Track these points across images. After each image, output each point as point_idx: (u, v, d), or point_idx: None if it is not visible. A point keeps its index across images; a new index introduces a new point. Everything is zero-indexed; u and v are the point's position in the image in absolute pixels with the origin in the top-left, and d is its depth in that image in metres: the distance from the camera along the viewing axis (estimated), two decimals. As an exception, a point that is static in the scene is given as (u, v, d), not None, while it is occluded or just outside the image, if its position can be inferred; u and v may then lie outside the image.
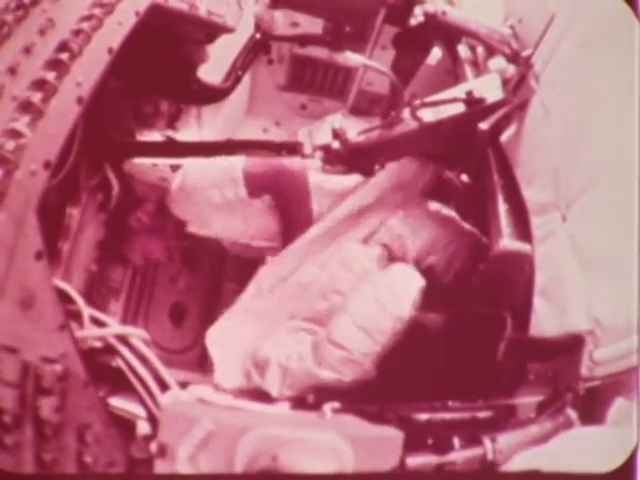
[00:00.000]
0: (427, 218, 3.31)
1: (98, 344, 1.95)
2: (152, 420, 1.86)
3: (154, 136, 3.77)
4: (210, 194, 3.57)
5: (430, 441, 1.89)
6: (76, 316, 1.94)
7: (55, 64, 1.94)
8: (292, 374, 2.90)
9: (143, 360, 1.96)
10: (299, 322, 3.23)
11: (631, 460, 1.72)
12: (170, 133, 3.80)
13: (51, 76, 1.89)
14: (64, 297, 1.90)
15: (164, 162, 3.90)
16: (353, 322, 2.92)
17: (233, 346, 3.37)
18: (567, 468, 1.71)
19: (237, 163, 3.53)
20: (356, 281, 3.15)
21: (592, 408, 1.95)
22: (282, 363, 2.96)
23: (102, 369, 1.90)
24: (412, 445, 1.77)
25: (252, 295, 3.51)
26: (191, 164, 3.65)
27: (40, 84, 1.87)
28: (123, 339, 1.97)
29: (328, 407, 1.85)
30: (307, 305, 3.26)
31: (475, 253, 3.04)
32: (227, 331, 3.47)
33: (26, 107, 1.81)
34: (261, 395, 2.82)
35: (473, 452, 1.90)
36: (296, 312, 3.28)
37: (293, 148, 3.40)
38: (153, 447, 1.63)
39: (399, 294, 2.91)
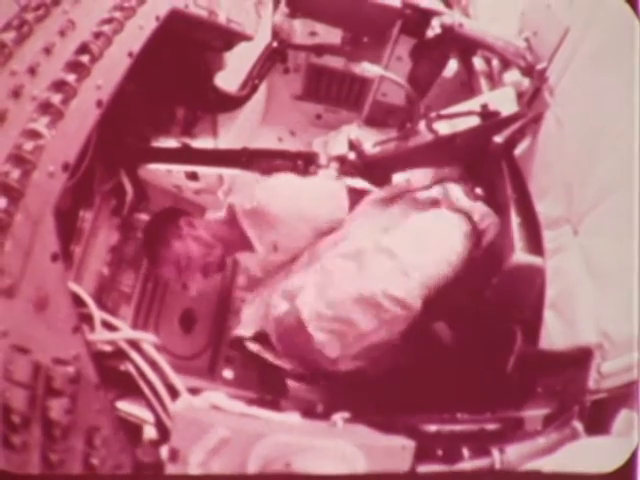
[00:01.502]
0: None
1: (107, 348, 1.95)
2: (160, 425, 1.86)
3: (170, 143, 3.78)
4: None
5: (440, 452, 1.88)
6: (87, 319, 1.94)
7: (75, 66, 1.94)
8: (333, 289, 2.76)
9: (153, 365, 1.95)
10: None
11: (631, 461, 1.72)
12: (186, 140, 3.81)
13: (71, 78, 1.89)
14: (76, 300, 1.89)
15: (179, 169, 3.91)
16: (409, 235, 2.87)
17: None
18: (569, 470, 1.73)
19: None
20: None
21: (598, 419, 1.95)
22: (319, 281, 2.86)
23: (110, 373, 1.89)
24: (422, 455, 1.76)
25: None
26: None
27: (60, 85, 1.87)
28: (134, 344, 1.97)
29: (338, 417, 1.84)
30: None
31: (489, 265, 3.01)
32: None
33: (46, 108, 1.81)
34: (272, 404, 2.78)
35: (481, 462, 1.89)
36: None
37: (309, 158, 3.40)
38: (163, 452, 1.62)
39: (453, 231, 2.89)
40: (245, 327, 3.39)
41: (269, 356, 3.20)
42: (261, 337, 3.24)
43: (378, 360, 2.86)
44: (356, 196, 3.46)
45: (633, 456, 1.71)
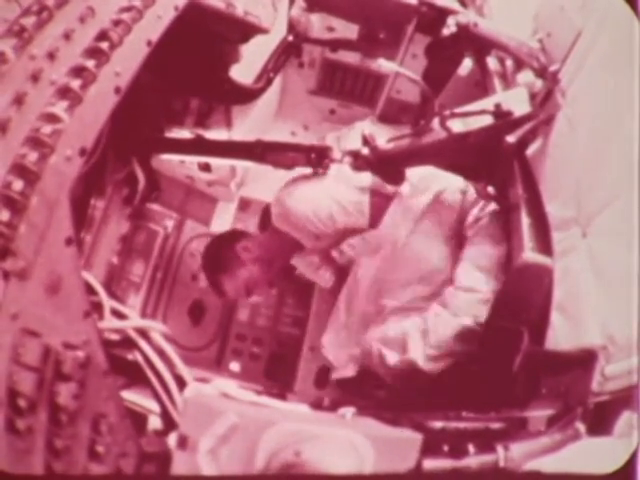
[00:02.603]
0: None
1: (115, 336, 1.95)
2: (165, 416, 1.86)
3: (183, 133, 3.79)
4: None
5: (446, 447, 1.89)
6: (97, 307, 1.94)
7: (94, 52, 1.94)
8: (434, 333, 2.99)
9: (161, 355, 1.95)
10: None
11: (632, 461, 1.72)
12: (200, 131, 3.81)
13: (91, 64, 1.89)
14: (86, 287, 1.89)
15: (192, 160, 3.92)
16: (472, 265, 3.06)
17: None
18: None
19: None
20: None
21: (600, 421, 1.95)
22: (420, 327, 3.08)
23: (118, 362, 1.89)
24: (428, 449, 1.76)
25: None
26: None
27: (79, 71, 1.87)
28: (143, 332, 1.97)
29: (346, 410, 1.84)
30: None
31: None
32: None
33: (64, 92, 1.81)
34: (279, 397, 2.81)
35: (485, 458, 1.90)
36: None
37: (322, 152, 3.40)
38: (172, 439, 1.62)
39: None
40: (345, 369, 3.62)
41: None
42: (363, 374, 3.51)
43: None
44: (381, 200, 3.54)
45: (633, 457, 1.71)
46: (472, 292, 2.96)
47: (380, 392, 3.43)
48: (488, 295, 2.91)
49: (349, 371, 3.55)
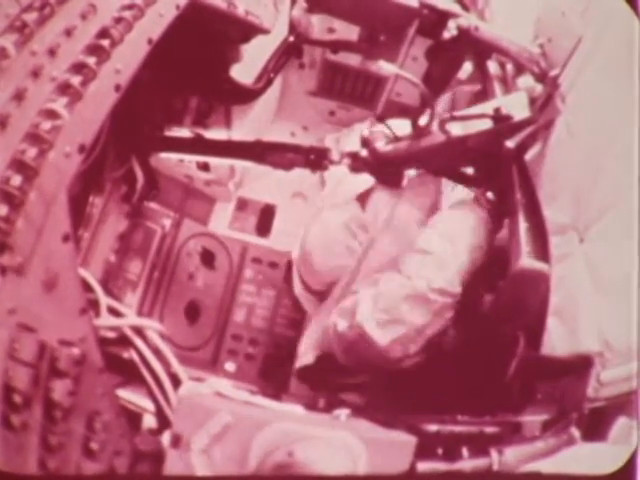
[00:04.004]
0: None
1: (111, 334, 1.95)
2: (160, 414, 1.86)
3: (183, 132, 3.78)
4: None
5: (440, 450, 1.89)
6: (93, 304, 1.94)
7: (95, 49, 1.95)
8: (384, 296, 2.95)
9: (157, 353, 1.95)
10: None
11: (631, 462, 1.72)
12: (199, 130, 3.81)
13: (91, 61, 1.90)
14: (83, 285, 1.89)
15: (191, 159, 3.91)
16: (436, 231, 3.02)
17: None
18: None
19: None
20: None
21: (595, 427, 1.96)
22: (372, 293, 3.03)
23: (113, 360, 1.89)
24: (422, 452, 1.76)
25: None
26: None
27: (80, 67, 1.88)
28: (139, 331, 1.97)
29: (340, 411, 1.84)
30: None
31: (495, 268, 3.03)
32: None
33: (64, 89, 1.82)
34: (273, 396, 2.80)
35: (480, 462, 1.90)
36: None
37: (321, 153, 3.40)
38: (165, 438, 1.62)
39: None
40: (305, 356, 3.57)
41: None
42: (322, 359, 3.43)
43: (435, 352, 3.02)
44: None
45: (633, 458, 1.72)
46: (425, 254, 2.93)
47: (341, 380, 3.37)
48: (443, 257, 2.88)
49: (308, 358, 3.51)
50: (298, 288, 3.75)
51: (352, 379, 3.30)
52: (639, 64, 2.08)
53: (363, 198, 3.58)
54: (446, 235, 2.97)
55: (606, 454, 1.82)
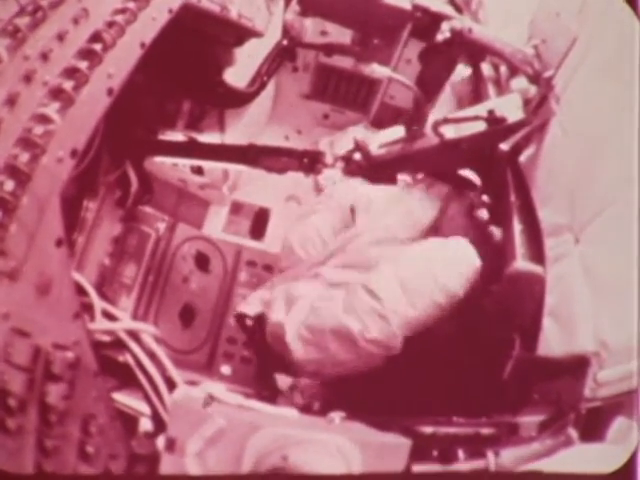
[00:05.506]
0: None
1: (106, 338, 1.95)
2: (156, 417, 1.85)
3: (177, 136, 3.79)
4: None
5: (435, 452, 1.89)
6: (88, 308, 1.93)
7: (87, 54, 1.95)
8: (317, 312, 2.87)
9: (152, 357, 1.95)
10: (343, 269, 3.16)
11: (631, 461, 1.72)
12: (192, 134, 3.81)
13: (83, 65, 1.90)
14: (77, 289, 1.89)
15: (184, 163, 3.92)
16: (395, 276, 2.79)
17: None
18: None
19: None
20: (413, 235, 3.12)
21: (593, 427, 1.95)
22: (312, 301, 2.95)
23: (108, 364, 1.89)
24: (418, 454, 1.76)
25: None
26: None
27: (72, 72, 1.88)
28: (133, 334, 1.97)
29: (335, 414, 1.84)
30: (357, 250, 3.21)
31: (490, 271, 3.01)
32: None
33: (57, 93, 1.82)
34: (269, 400, 2.79)
35: (476, 464, 1.90)
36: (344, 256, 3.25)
37: (315, 157, 3.40)
38: (160, 442, 1.62)
39: (453, 267, 2.77)
40: (250, 305, 3.50)
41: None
42: (261, 319, 3.33)
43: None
44: None
45: (632, 458, 1.72)
46: (373, 297, 2.76)
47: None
48: (388, 313, 2.69)
49: (252, 308, 3.45)
50: None
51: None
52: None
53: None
54: (407, 283, 2.77)
55: (604, 455, 1.82)
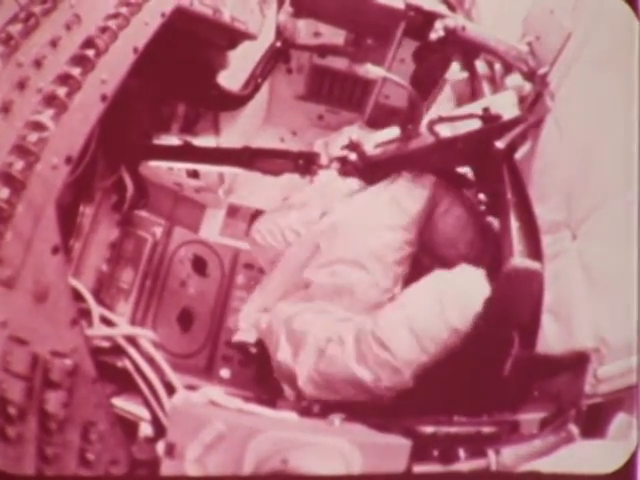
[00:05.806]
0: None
1: (105, 344, 1.95)
2: (156, 423, 1.85)
3: (172, 140, 3.78)
4: None
5: (436, 452, 1.88)
6: (85, 314, 1.93)
7: (80, 60, 1.95)
8: (329, 360, 2.83)
9: (151, 362, 1.94)
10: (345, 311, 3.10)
11: (631, 461, 1.72)
12: (187, 138, 3.81)
13: (76, 71, 1.90)
14: (74, 295, 1.89)
15: (180, 166, 3.91)
16: (405, 322, 2.73)
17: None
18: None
19: None
20: (401, 223, 3.11)
21: (593, 423, 1.95)
22: (321, 345, 2.90)
23: (107, 369, 1.89)
24: (418, 455, 1.76)
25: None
26: None
27: (65, 78, 1.88)
28: (132, 340, 1.96)
29: (335, 416, 1.84)
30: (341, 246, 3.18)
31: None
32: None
33: (50, 100, 1.82)
34: (269, 404, 2.78)
35: (477, 463, 1.89)
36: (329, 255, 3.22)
37: (310, 158, 3.40)
38: (160, 447, 1.62)
39: (462, 303, 2.69)
40: (247, 334, 3.51)
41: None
42: (262, 343, 3.38)
43: None
44: None
45: (633, 457, 1.72)
46: (388, 352, 2.69)
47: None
48: (401, 366, 2.66)
49: (251, 336, 3.47)
50: None
51: None
52: (639, 60, 2.07)
53: None
54: (414, 325, 2.72)
55: (606, 452, 1.82)
